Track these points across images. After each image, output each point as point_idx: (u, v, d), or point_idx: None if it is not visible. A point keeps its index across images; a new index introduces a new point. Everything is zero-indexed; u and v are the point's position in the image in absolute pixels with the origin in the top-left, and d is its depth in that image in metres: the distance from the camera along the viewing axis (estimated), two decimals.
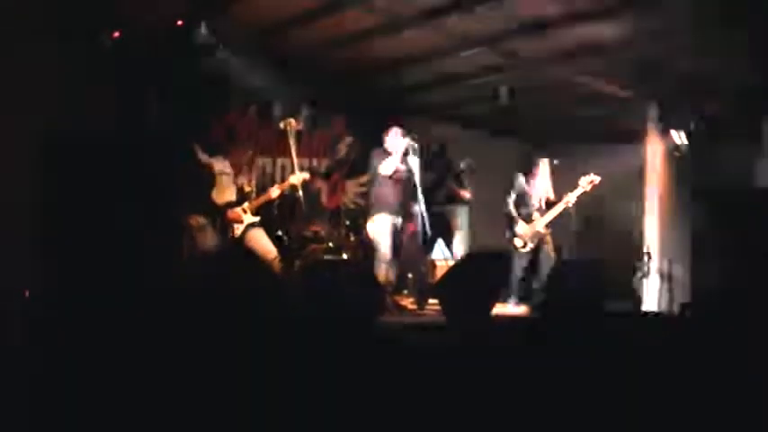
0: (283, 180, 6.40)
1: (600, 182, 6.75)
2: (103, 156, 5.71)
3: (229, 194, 5.81)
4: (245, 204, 5.85)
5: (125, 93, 6.11)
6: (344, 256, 6.31)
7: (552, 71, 7.24)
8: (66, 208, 5.49)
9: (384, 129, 6.46)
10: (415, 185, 6.29)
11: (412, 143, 6.20)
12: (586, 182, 6.70)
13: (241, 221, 5.78)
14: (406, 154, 6.28)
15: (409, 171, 6.35)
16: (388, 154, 6.28)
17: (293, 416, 2.66)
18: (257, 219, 5.88)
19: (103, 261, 5.24)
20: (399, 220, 6.36)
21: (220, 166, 5.87)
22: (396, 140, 6.29)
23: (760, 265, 6.54)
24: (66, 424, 2.47)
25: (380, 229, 6.27)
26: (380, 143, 6.41)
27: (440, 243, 6.51)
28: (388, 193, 6.32)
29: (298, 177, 5.96)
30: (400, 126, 6.43)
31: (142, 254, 5.42)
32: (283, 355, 3.31)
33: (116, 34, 5.82)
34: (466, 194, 6.42)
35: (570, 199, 6.67)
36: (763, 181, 7.28)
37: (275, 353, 3.28)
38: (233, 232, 5.75)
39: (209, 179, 5.74)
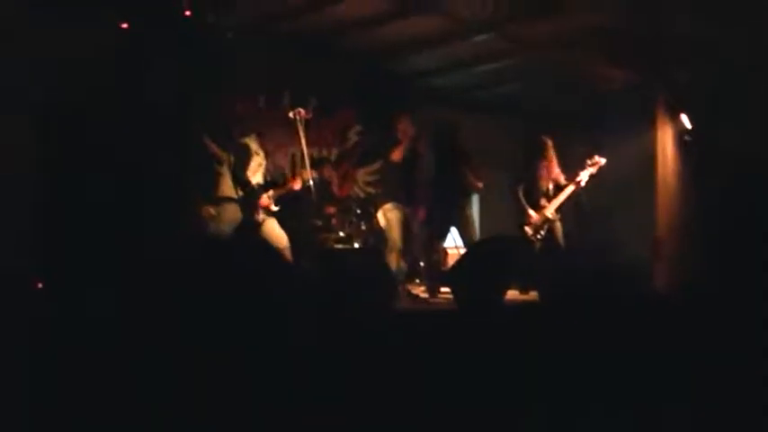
0: (293, 170, 6.40)
1: (609, 166, 6.63)
2: (109, 142, 5.67)
3: (258, 177, 5.70)
4: (270, 192, 5.82)
5: (133, 80, 6.08)
6: (356, 245, 6.31)
7: (558, 55, 7.19)
8: (70, 194, 5.46)
9: (393, 117, 6.47)
10: (425, 173, 6.30)
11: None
12: (591, 163, 6.56)
13: (270, 208, 5.73)
14: (415, 141, 6.29)
15: (419, 158, 6.35)
16: (398, 141, 6.28)
17: (305, 402, 2.66)
18: (278, 208, 5.84)
19: (110, 248, 5.22)
20: (409, 209, 6.36)
21: (254, 146, 5.78)
22: (405, 128, 6.30)
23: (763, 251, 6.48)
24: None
25: (391, 217, 6.28)
26: (390, 131, 6.41)
27: (452, 231, 6.48)
28: (398, 181, 6.33)
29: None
30: (409, 114, 6.43)
31: (151, 243, 5.39)
32: (296, 343, 3.31)
33: (124, 25, 5.78)
34: (479, 184, 6.38)
35: (582, 178, 6.49)
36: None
37: (288, 342, 3.28)
38: (255, 218, 5.62)
39: (218, 169, 5.63)
